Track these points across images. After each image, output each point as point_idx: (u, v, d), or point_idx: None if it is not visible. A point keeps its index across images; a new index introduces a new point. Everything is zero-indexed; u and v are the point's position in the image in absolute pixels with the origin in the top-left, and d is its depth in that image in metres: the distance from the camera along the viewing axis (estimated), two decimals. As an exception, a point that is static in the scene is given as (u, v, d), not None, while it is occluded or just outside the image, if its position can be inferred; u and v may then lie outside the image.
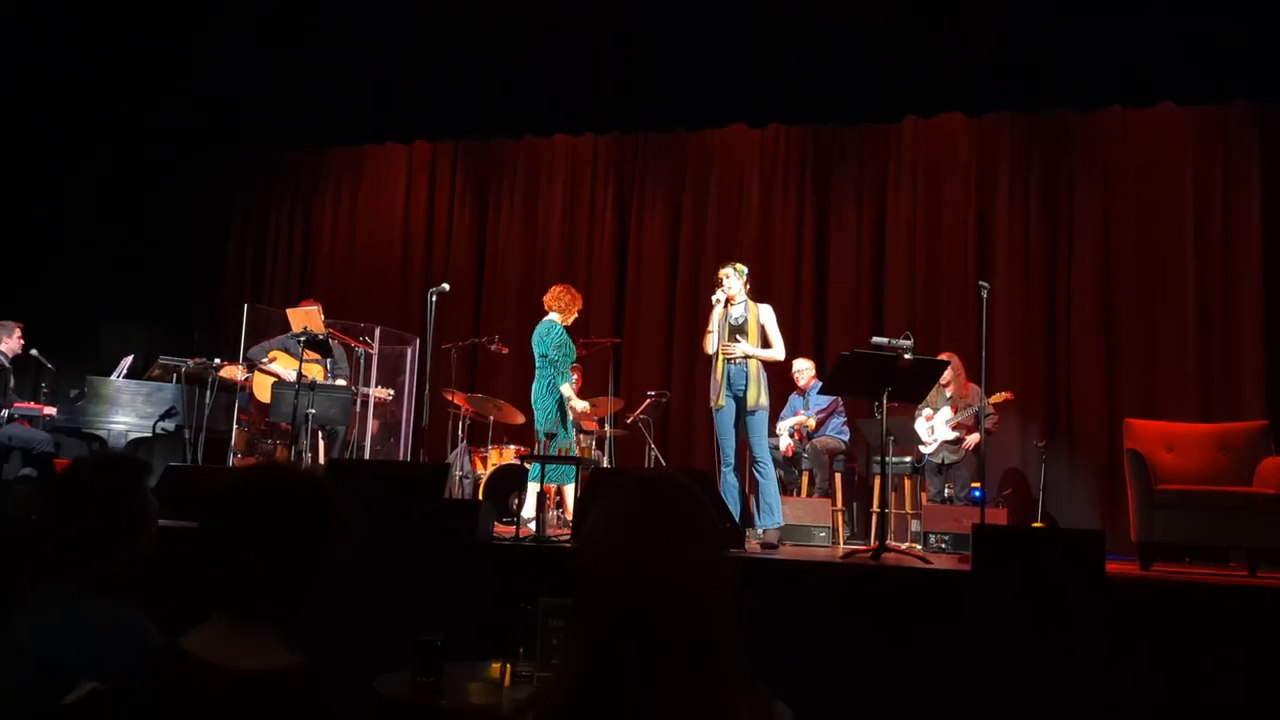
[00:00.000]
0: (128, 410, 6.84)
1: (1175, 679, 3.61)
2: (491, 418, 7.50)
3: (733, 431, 5.62)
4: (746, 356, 5.59)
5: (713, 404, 5.61)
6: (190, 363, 7.03)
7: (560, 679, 1.39)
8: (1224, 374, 7.27)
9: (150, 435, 6.89)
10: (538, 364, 6.29)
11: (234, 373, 7.07)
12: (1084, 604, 3.72)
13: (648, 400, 7.60)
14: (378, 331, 7.73)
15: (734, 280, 5.70)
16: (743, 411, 5.60)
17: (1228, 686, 3.57)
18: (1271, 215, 7.31)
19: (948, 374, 6.95)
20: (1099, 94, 7.47)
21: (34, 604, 1.98)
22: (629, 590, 1.31)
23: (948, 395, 7.03)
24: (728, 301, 5.67)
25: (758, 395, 5.56)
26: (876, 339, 5.58)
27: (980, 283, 5.64)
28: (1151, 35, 6.79)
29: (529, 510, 5.83)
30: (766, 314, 5.74)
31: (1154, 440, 5.73)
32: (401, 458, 7.85)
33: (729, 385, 5.59)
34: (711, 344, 5.65)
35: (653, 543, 1.33)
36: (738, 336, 5.63)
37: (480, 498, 6.60)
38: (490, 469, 7.00)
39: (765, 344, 5.69)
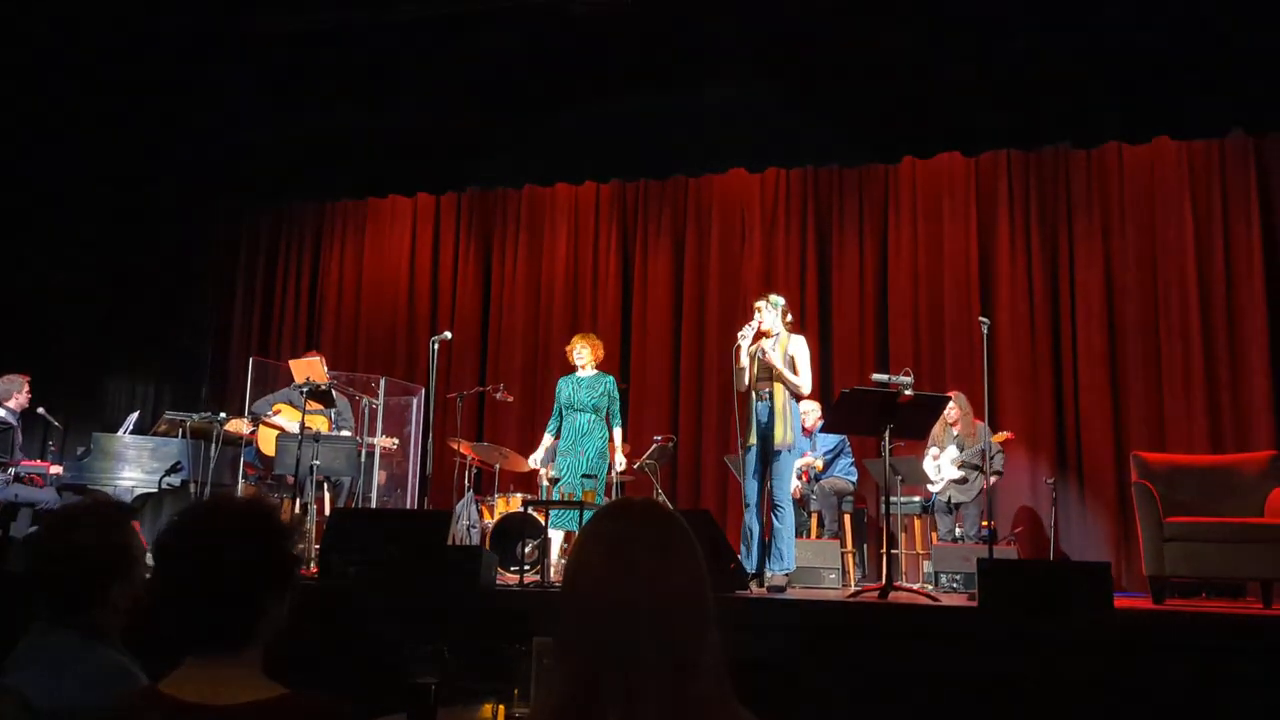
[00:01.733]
0: (134, 466, 6.87)
1: (1186, 712, 3.55)
2: (498, 466, 7.49)
3: (756, 473, 5.47)
4: (766, 356, 5.43)
5: (742, 443, 5.51)
6: (195, 417, 7.05)
7: (542, 706, 1.38)
8: (1232, 405, 7.22)
9: (156, 490, 6.90)
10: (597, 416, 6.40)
11: (239, 426, 7.09)
12: (1092, 636, 3.67)
13: (654, 444, 7.59)
14: (383, 382, 7.76)
15: (768, 312, 5.58)
16: (768, 451, 5.45)
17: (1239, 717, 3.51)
18: (1271, 245, 7.32)
19: (955, 412, 6.93)
20: (1095, 130, 7.50)
21: (23, 650, 1.98)
22: (607, 612, 1.31)
23: (955, 434, 7.01)
24: (761, 335, 5.55)
25: (784, 434, 5.39)
26: (877, 376, 5.57)
27: (981, 318, 5.64)
28: (1145, 69, 6.83)
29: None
30: (799, 345, 5.59)
31: (1162, 473, 5.69)
32: (409, 508, 7.83)
33: (756, 422, 5.47)
34: (742, 383, 5.53)
35: (629, 563, 1.33)
36: (766, 373, 5.49)
37: (487, 546, 6.58)
38: (497, 518, 6.98)
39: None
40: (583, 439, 6.29)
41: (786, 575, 5.40)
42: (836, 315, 8.30)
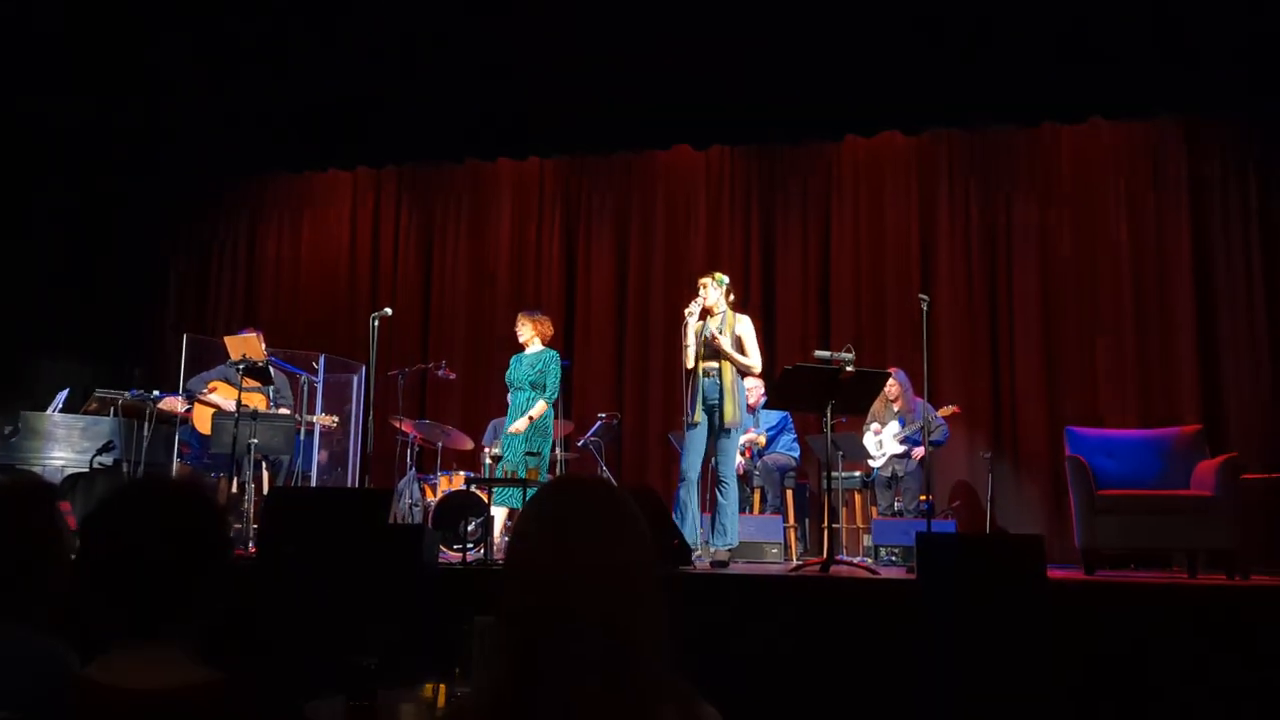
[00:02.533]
0: (64, 445, 6.71)
1: (1116, 678, 3.65)
2: (440, 444, 7.43)
3: (701, 448, 5.50)
4: (715, 340, 5.46)
5: (688, 420, 5.51)
6: (128, 395, 6.89)
7: (481, 682, 1.37)
8: (1161, 381, 7.42)
9: (88, 470, 6.74)
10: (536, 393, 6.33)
11: (173, 405, 6.94)
12: (1026, 607, 3.75)
13: (598, 422, 7.58)
14: (322, 359, 7.64)
15: (713, 290, 5.61)
16: (716, 429, 5.49)
17: (1168, 684, 3.61)
18: (1200, 227, 7.50)
19: (895, 389, 7.02)
20: (1033, 110, 7.60)
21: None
22: (548, 587, 1.30)
23: (895, 410, 7.10)
24: (706, 313, 5.60)
25: (734, 412, 5.44)
26: (820, 353, 5.61)
27: (921, 295, 5.71)
28: (1082, 50, 6.93)
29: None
30: (745, 325, 5.64)
31: (1095, 447, 5.81)
32: (350, 487, 7.74)
33: (704, 399, 5.50)
34: (689, 359, 5.55)
35: (570, 539, 1.32)
36: (711, 350, 5.52)
37: (430, 524, 6.53)
38: (440, 495, 6.93)
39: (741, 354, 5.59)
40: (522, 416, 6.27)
41: (730, 550, 5.44)
42: (780, 292, 8.35)
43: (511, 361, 6.49)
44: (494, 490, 5.90)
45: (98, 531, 1.54)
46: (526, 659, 1.29)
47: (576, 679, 1.26)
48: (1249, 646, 3.70)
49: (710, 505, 5.67)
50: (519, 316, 6.58)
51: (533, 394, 6.29)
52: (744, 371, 5.61)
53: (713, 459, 5.61)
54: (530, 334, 6.43)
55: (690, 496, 5.46)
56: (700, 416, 5.47)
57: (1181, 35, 6.74)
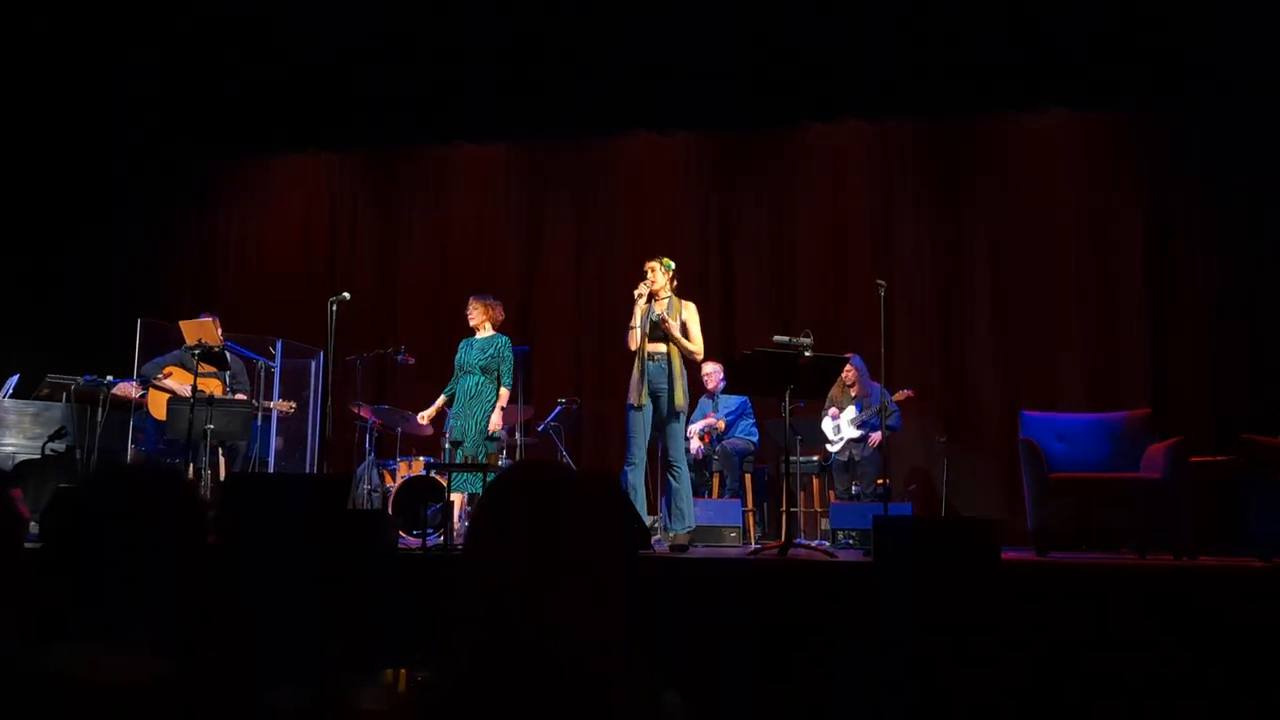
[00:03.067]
0: (14, 431, 6.59)
1: (1069, 659, 3.73)
2: (400, 430, 7.39)
3: (646, 432, 5.56)
4: (666, 323, 5.52)
5: (632, 401, 5.54)
6: (81, 380, 6.78)
7: (441, 671, 1.37)
8: (1112, 366, 7.57)
9: (39, 457, 6.63)
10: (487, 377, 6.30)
11: (128, 391, 6.84)
12: (980, 589, 3.81)
13: (558, 407, 7.58)
14: (280, 344, 7.56)
15: (660, 274, 5.67)
16: (663, 413, 5.56)
17: (1117, 662, 3.69)
18: (1153, 216, 7.64)
19: (851, 374, 7.08)
20: (994, 98, 7.68)
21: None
22: (506, 576, 1.30)
23: (852, 395, 7.17)
24: (652, 296, 5.64)
25: (680, 396, 5.52)
26: (779, 338, 5.65)
27: (878, 281, 5.76)
28: (1043, 42, 7.02)
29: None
30: (690, 311, 5.71)
31: (1047, 431, 5.90)
32: (308, 473, 7.69)
33: (649, 384, 5.56)
34: (634, 340, 5.61)
35: (528, 527, 1.32)
36: (658, 334, 5.59)
37: (390, 511, 6.51)
38: (399, 481, 6.90)
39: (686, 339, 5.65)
40: (471, 401, 6.25)
41: (688, 533, 5.49)
42: (739, 277, 8.39)
43: (461, 345, 6.47)
44: (453, 475, 5.89)
45: (60, 518, 1.52)
46: (485, 648, 1.29)
47: (538, 670, 1.27)
48: (1196, 626, 3.80)
49: (662, 489, 5.70)
50: (471, 300, 6.54)
51: (483, 378, 6.26)
52: (688, 356, 5.67)
53: (661, 444, 5.67)
54: (482, 318, 6.40)
55: (639, 480, 5.52)
56: (645, 400, 5.53)
57: (1136, 28, 6.85)
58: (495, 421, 6.18)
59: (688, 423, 7.34)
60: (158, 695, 1.50)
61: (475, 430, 6.10)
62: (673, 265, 5.77)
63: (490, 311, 6.43)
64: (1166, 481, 5.27)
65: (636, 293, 5.65)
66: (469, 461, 5.80)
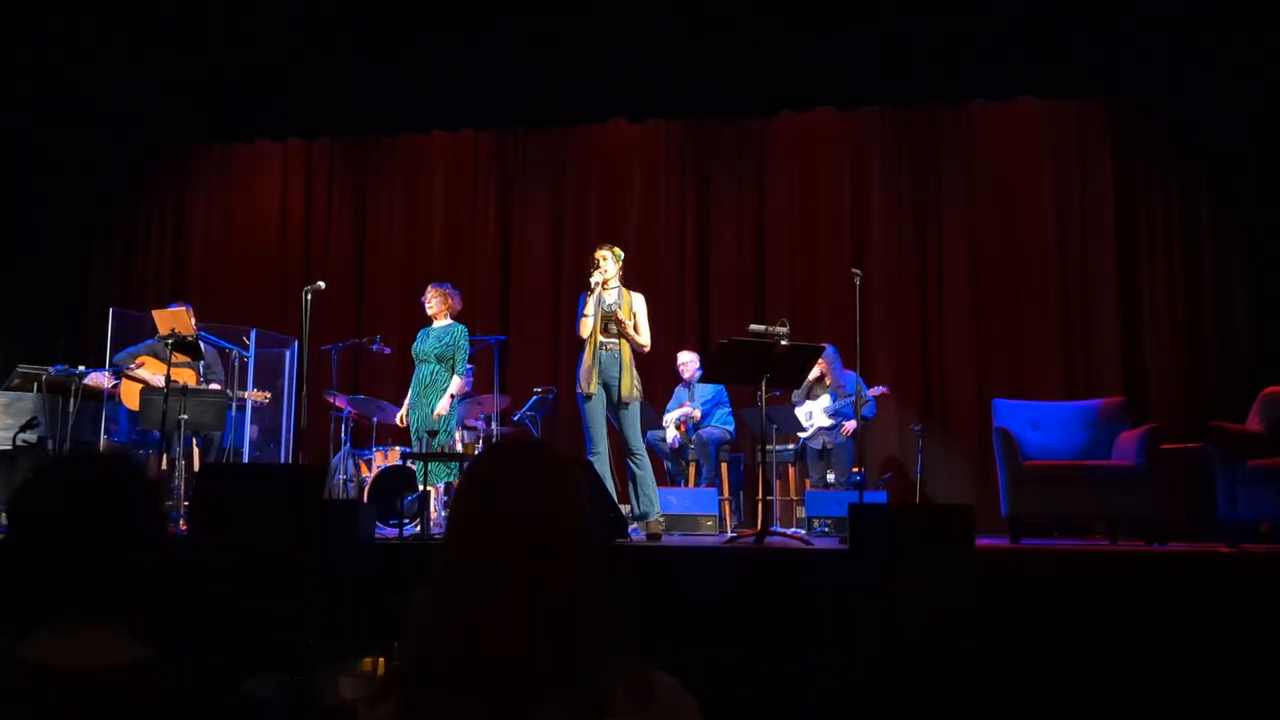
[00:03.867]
0: (-15, 422, 6.51)
1: (1042, 643, 3.77)
2: (375, 419, 7.37)
3: (602, 419, 5.63)
4: (622, 325, 5.59)
5: (583, 390, 5.59)
6: (52, 370, 6.70)
7: (416, 648, 1.36)
8: (1085, 355, 7.64)
9: (10, 448, 6.56)
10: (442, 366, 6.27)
11: (100, 381, 6.77)
12: (955, 575, 3.85)
13: (534, 396, 7.57)
14: (254, 333, 7.51)
15: (610, 264, 5.71)
16: (615, 403, 5.61)
17: (1089, 646, 3.74)
18: (1123, 204, 7.71)
19: (822, 365, 7.11)
20: (963, 87, 7.71)
21: None
22: (484, 552, 1.30)
23: (825, 384, 7.20)
24: (604, 285, 5.67)
25: (631, 386, 5.58)
26: (755, 326, 5.67)
27: (854, 270, 5.78)
28: (1011, 29, 7.05)
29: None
30: (639, 303, 5.77)
31: (1021, 419, 5.96)
32: (283, 463, 7.65)
33: (601, 372, 5.59)
34: (587, 328, 5.64)
35: (507, 503, 1.32)
36: (610, 325, 5.64)
37: (366, 500, 6.48)
38: (375, 471, 6.88)
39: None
40: (426, 390, 6.22)
41: (661, 519, 5.51)
42: (715, 266, 8.41)
43: (419, 334, 6.44)
44: (429, 465, 5.86)
45: (33, 506, 1.51)
46: (466, 626, 1.29)
47: (514, 652, 1.26)
48: (1166, 610, 3.85)
49: (629, 479, 5.68)
50: (429, 289, 6.49)
51: (438, 367, 6.23)
52: (637, 350, 5.70)
53: (620, 434, 5.69)
54: (440, 307, 6.36)
55: (604, 469, 5.56)
56: (596, 388, 5.58)
57: (1107, 17, 6.89)
58: (442, 406, 6.13)
59: (659, 411, 7.40)
60: (131, 682, 1.49)
61: (431, 421, 6.08)
62: (622, 255, 5.83)
63: (448, 300, 6.39)
64: (1139, 468, 5.34)
65: (593, 280, 5.66)
66: (444, 451, 5.79)
